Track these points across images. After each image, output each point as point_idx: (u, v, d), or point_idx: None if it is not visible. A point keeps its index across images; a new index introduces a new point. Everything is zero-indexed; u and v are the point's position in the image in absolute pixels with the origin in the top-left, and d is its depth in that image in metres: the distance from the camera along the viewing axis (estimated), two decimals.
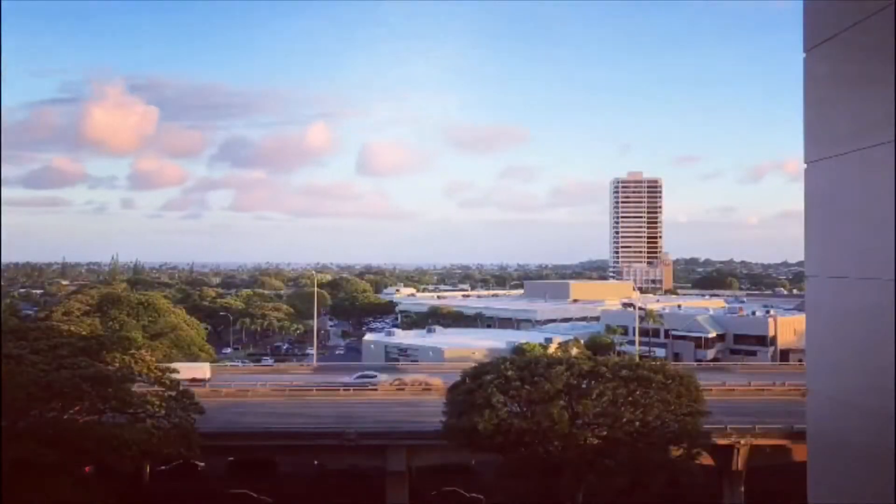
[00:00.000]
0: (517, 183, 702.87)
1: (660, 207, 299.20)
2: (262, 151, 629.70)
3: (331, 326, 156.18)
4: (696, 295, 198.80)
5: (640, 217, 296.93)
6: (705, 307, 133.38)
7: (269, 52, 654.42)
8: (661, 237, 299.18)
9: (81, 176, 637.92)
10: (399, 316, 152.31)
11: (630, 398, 38.21)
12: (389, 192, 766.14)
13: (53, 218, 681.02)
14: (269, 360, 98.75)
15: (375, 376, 62.04)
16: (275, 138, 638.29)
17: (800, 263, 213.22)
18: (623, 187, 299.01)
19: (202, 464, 51.56)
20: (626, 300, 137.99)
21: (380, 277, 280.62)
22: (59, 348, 39.23)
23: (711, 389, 47.30)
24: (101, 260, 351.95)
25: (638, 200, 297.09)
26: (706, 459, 42.43)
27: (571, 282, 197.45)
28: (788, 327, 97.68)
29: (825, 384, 7.53)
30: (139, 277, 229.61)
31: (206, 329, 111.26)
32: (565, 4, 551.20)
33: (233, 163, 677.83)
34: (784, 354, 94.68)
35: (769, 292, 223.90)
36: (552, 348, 78.26)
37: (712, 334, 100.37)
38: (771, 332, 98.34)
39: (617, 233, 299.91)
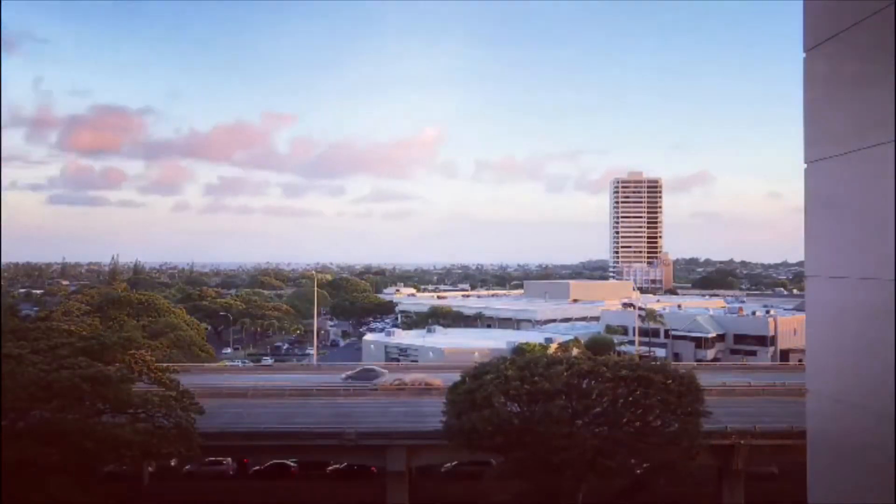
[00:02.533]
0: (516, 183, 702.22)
1: (660, 207, 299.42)
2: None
3: (331, 326, 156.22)
4: (696, 295, 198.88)
5: (640, 217, 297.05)
6: (705, 307, 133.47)
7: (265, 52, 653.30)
8: (661, 237, 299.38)
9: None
10: (399, 316, 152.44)
11: (630, 398, 38.20)
12: (388, 192, 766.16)
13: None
14: (269, 360, 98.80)
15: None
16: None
17: (800, 263, 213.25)
18: (623, 187, 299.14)
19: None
20: (626, 300, 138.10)
21: (380, 277, 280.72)
22: (59, 348, 39.21)
23: (711, 390, 47.28)
24: (101, 260, 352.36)
25: (638, 200, 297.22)
26: (706, 459, 42.43)
27: (571, 282, 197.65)
28: (788, 327, 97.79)
29: (825, 384, 7.53)
30: (139, 277, 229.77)
31: (206, 329, 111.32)
32: (566, 5, 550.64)
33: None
34: (784, 354, 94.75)
35: (769, 292, 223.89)
36: (552, 348, 78.27)
37: (712, 334, 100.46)
38: (771, 332, 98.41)
39: (617, 233, 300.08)
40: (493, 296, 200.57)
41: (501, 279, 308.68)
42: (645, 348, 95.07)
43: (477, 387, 38.65)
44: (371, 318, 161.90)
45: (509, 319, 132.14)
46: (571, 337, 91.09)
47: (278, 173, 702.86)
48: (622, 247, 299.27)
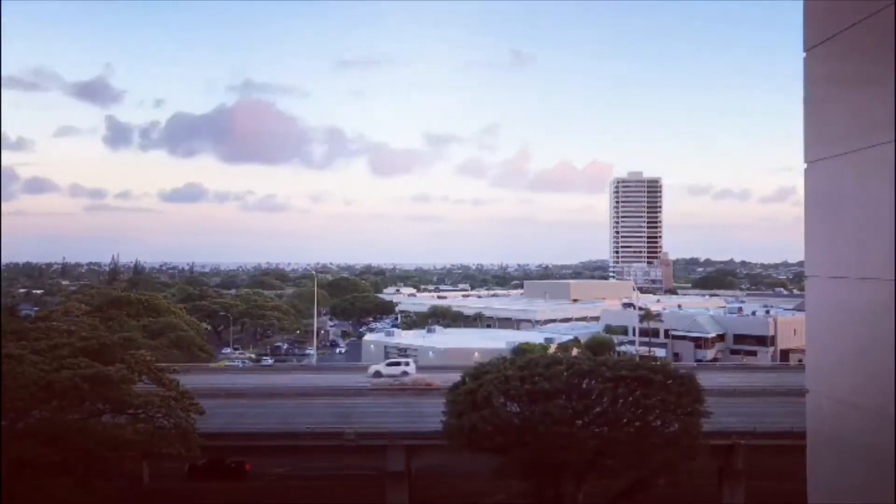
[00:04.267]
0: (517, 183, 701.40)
1: (660, 207, 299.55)
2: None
3: (331, 326, 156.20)
4: (696, 295, 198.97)
5: (640, 217, 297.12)
6: (705, 307, 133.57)
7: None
8: (661, 237, 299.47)
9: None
10: (399, 316, 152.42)
11: (630, 398, 38.18)
12: (391, 192, 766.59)
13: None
14: (269, 360, 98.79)
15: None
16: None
17: (800, 263, 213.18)
18: (623, 187, 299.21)
19: None
20: (626, 300, 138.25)
21: (380, 277, 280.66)
22: (60, 348, 39.17)
23: (712, 390, 47.31)
24: (101, 260, 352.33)
25: (638, 200, 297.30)
26: (706, 459, 42.43)
27: (571, 282, 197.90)
28: (788, 327, 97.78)
29: (825, 384, 7.53)
30: (139, 277, 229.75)
31: (206, 329, 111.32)
32: (566, 4, 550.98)
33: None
34: (784, 354, 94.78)
35: (769, 292, 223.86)
36: (552, 348, 78.28)
37: (712, 334, 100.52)
38: (771, 332, 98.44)
39: (617, 233, 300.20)
40: (493, 296, 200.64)
41: (501, 279, 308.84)
42: (645, 348, 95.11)
43: (477, 387, 38.65)
44: (371, 318, 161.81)
45: (509, 319, 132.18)
46: (571, 337, 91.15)
47: None
48: (622, 247, 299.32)
